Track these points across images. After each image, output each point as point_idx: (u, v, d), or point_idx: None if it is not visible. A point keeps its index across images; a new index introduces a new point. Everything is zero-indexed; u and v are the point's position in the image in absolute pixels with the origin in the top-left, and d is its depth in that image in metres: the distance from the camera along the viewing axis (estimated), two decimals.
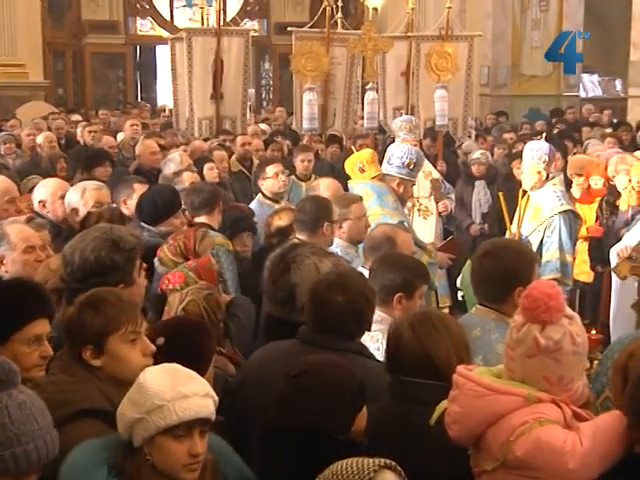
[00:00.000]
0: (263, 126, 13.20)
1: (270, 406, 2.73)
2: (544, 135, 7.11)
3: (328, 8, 10.84)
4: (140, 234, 4.58)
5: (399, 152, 6.19)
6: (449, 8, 11.14)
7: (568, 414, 2.39)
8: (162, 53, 24.16)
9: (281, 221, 5.19)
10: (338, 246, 5.10)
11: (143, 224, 5.23)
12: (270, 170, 7.12)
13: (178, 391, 2.44)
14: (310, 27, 11.48)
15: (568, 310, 2.47)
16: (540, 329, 2.42)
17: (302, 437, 2.62)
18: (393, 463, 2.25)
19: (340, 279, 3.25)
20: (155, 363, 2.72)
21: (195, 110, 11.10)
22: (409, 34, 11.93)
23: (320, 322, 3.19)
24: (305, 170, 8.24)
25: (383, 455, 2.30)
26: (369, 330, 3.34)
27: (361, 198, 5.59)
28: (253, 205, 6.91)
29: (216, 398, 2.56)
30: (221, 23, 12.13)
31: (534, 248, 6.31)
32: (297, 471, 2.60)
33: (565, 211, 6.37)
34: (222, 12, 13.79)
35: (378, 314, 3.44)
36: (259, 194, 7.15)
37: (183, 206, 5.53)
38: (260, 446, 2.76)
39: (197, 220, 5.60)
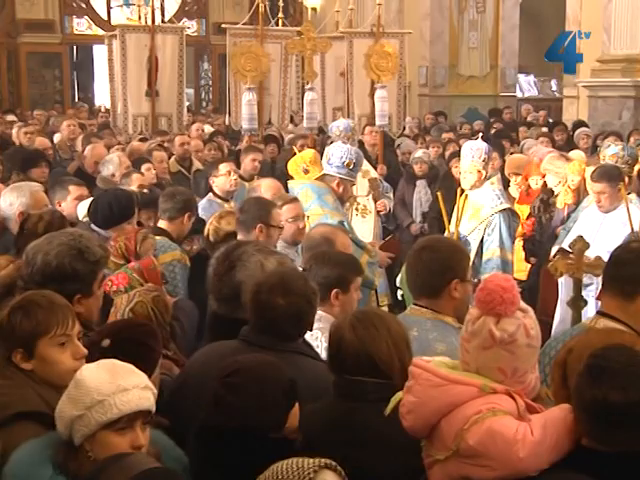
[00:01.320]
0: (207, 127, 13.15)
1: (206, 406, 2.73)
2: (480, 135, 7.19)
3: (261, 5, 10.84)
4: (96, 236, 4.53)
5: (339, 152, 6.21)
6: (379, 5, 11.19)
7: (521, 405, 2.42)
8: (99, 53, 23.90)
9: (230, 226, 5.12)
10: (277, 247, 5.08)
11: (94, 227, 5.17)
12: (222, 168, 7.11)
13: (118, 385, 2.44)
14: (245, 24, 11.55)
15: (522, 303, 2.50)
16: (495, 322, 2.45)
17: (235, 436, 2.62)
18: (333, 463, 2.25)
19: (281, 281, 3.25)
20: None
21: (129, 107, 11.16)
22: (341, 31, 12.01)
23: (261, 324, 3.19)
24: (253, 170, 8.22)
25: (328, 454, 2.30)
26: (310, 330, 3.35)
27: (296, 199, 5.58)
28: (203, 204, 6.86)
29: (155, 391, 2.56)
30: (158, 21, 12.10)
31: (474, 246, 6.39)
32: (231, 470, 2.61)
33: (504, 209, 6.46)
34: (160, 11, 13.72)
35: (317, 312, 3.44)
36: (209, 193, 7.11)
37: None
38: (195, 446, 2.75)
39: (158, 225, 5.54)
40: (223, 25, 11.92)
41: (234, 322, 3.34)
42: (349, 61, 11.62)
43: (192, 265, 5.22)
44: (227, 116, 12.09)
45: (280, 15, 11.68)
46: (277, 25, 11.96)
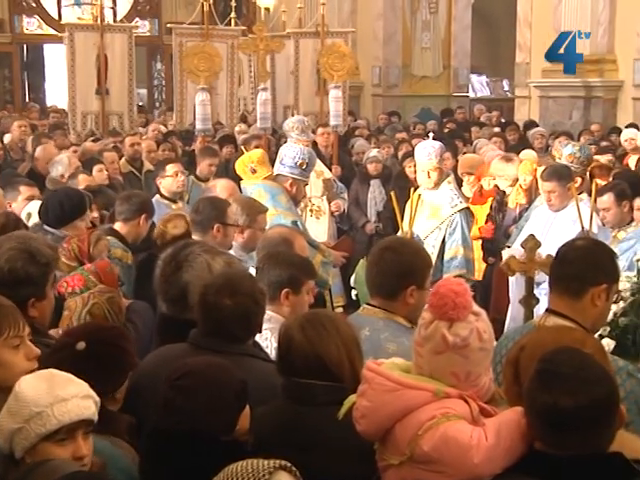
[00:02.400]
0: (162, 127, 13.08)
1: (156, 410, 2.71)
2: (431, 134, 7.25)
3: (205, 4, 10.82)
4: (43, 237, 4.46)
5: (291, 152, 6.20)
6: (323, 5, 11.23)
7: (475, 409, 2.42)
8: (50, 52, 23.64)
9: (177, 230, 5.08)
10: (231, 249, 5.06)
11: (47, 227, 5.11)
12: (170, 169, 7.09)
13: (56, 395, 2.40)
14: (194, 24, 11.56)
15: (475, 307, 2.50)
16: (448, 326, 2.44)
17: (185, 439, 2.60)
18: (288, 464, 2.24)
19: (229, 282, 3.22)
20: (76, 369, 2.63)
21: (78, 105, 11.22)
22: (288, 31, 12.05)
23: (210, 326, 3.16)
24: (210, 174, 8.21)
25: (278, 457, 2.29)
26: (260, 332, 3.33)
27: (267, 209, 5.57)
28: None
29: (97, 399, 2.52)
30: (110, 21, 12.09)
31: (436, 246, 6.43)
32: (183, 473, 2.59)
33: (464, 209, 6.52)
34: (112, 11, 13.66)
35: (267, 313, 3.43)
36: (157, 194, 7.07)
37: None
38: (146, 449, 2.73)
39: (114, 227, 5.55)
40: (168, 25, 11.92)
41: (183, 323, 3.31)
42: (296, 60, 11.69)
43: (139, 268, 5.18)
44: (173, 114, 12.13)
45: (233, 15, 11.66)
46: (230, 25, 11.96)
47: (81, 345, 2.94)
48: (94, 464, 2.49)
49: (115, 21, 17.38)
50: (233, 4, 11.67)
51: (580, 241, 3.43)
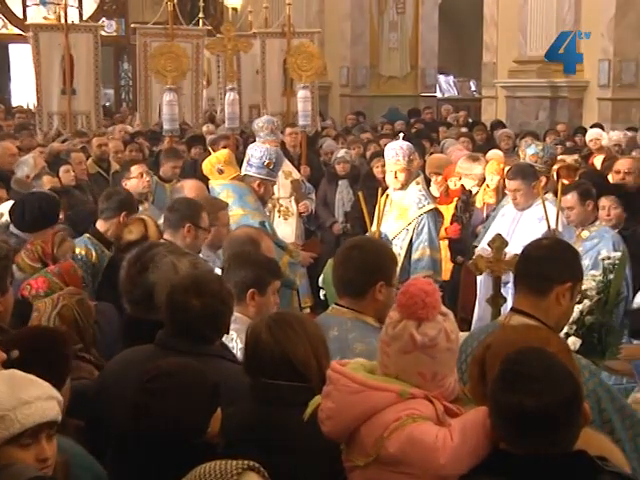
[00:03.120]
0: (129, 127, 13.02)
1: (126, 413, 2.68)
2: (402, 135, 7.27)
3: (169, 4, 10.79)
4: (7, 240, 4.43)
5: (258, 152, 6.19)
6: (289, 5, 11.24)
7: (440, 410, 2.42)
8: (15, 52, 23.41)
9: (131, 235, 5.02)
10: (200, 252, 5.04)
11: (13, 230, 5.06)
12: (135, 170, 7.06)
13: (19, 398, 2.37)
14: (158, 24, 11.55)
15: (442, 307, 2.50)
16: (416, 325, 2.44)
17: (157, 441, 2.59)
18: (257, 465, 2.24)
19: (196, 282, 3.21)
20: None
21: (44, 105, 11.19)
22: (254, 31, 12.06)
23: (177, 326, 3.15)
24: (173, 176, 8.19)
25: (247, 457, 2.29)
26: (227, 333, 3.33)
27: (227, 205, 5.55)
28: None
29: (60, 399, 2.50)
30: (76, 20, 12.05)
31: (404, 247, 6.45)
32: (153, 476, 2.57)
33: (431, 210, 6.54)
34: (78, 11, 13.60)
35: (233, 314, 3.43)
36: None
37: None
38: (116, 452, 2.71)
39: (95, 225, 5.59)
40: (132, 25, 11.90)
41: (149, 324, 3.29)
42: (262, 60, 11.70)
43: (105, 273, 5.11)
44: (137, 116, 12.11)
45: (201, 15, 11.64)
46: (198, 25, 11.95)
47: (14, 354, 2.89)
48: (58, 464, 2.47)
49: (81, 21, 17.29)
50: (201, 4, 11.65)
51: (545, 240, 3.46)
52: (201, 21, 11.91)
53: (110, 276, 4.67)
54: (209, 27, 11.78)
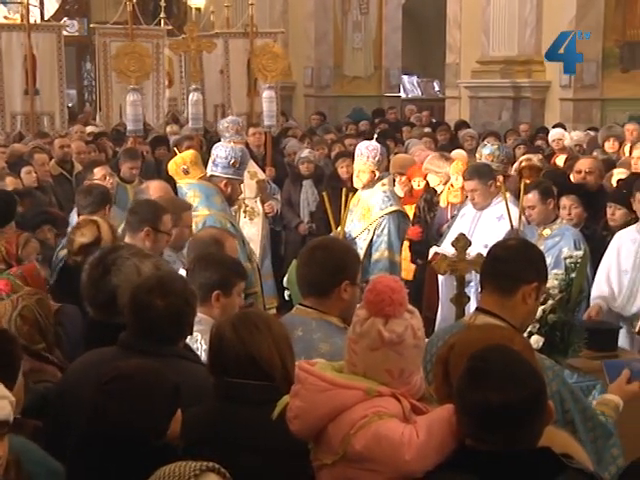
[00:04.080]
0: (89, 128, 12.91)
1: (85, 414, 2.67)
2: (375, 136, 7.31)
3: (129, 4, 10.74)
4: None
5: (223, 152, 6.17)
6: (252, 5, 11.24)
7: (407, 407, 2.44)
8: None
9: (84, 238, 4.94)
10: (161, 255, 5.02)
11: None
12: (98, 172, 7.04)
13: None
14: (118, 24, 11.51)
15: (409, 305, 2.52)
16: (384, 322, 2.46)
17: (116, 443, 2.58)
18: (216, 466, 2.24)
19: (159, 283, 3.21)
20: None
21: (6, 105, 11.12)
22: (217, 32, 12.06)
23: (140, 327, 3.13)
24: (132, 177, 8.15)
25: (210, 459, 2.29)
26: (191, 334, 3.32)
27: (191, 206, 5.53)
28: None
29: (12, 399, 2.48)
30: (38, 20, 11.96)
31: (364, 247, 6.48)
32: (114, 478, 2.56)
33: (394, 211, 6.56)
34: (40, 10, 13.49)
35: (197, 315, 3.42)
36: None
37: None
38: (76, 454, 2.70)
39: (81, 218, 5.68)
40: (92, 25, 11.85)
41: (112, 328, 3.28)
42: (226, 60, 11.69)
43: (58, 276, 5.08)
44: (97, 116, 12.06)
45: (162, 15, 11.61)
46: (160, 24, 11.91)
47: None
48: (10, 461, 2.45)
49: (43, 20, 17.15)
50: (162, 4, 11.62)
51: (512, 240, 3.50)
52: (162, 21, 11.86)
53: (63, 280, 4.65)
54: (169, 27, 11.75)
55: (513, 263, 3.17)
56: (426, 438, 2.34)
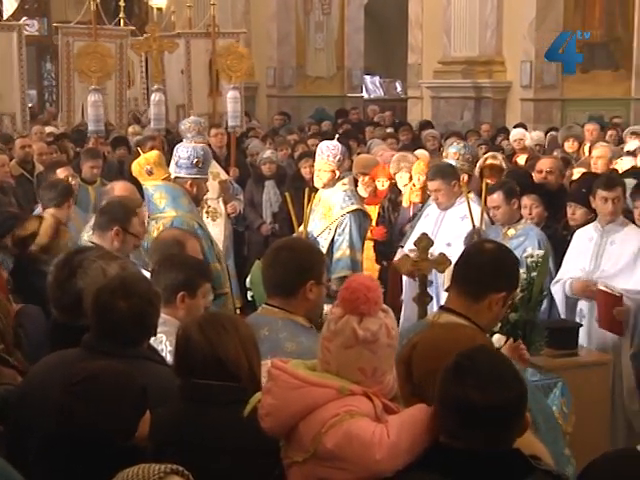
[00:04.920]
0: (49, 128, 12.81)
1: (51, 417, 2.66)
2: (337, 136, 7.32)
3: (93, 3, 10.67)
4: None
5: (185, 153, 6.14)
6: (213, 5, 11.23)
7: (379, 407, 2.44)
8: None
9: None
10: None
11: None
12: (60, 173, 6.99)
13: None
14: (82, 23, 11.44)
15: (383, 304, 2.53)
16: (358, 320, 2.46)
17: (84, 446, 2.57)
18: (180, 468, 2.23)
19: (123, 284, 3.19)
20: None
21: None
22: (179, 31, 12.03)
23: (103, 328, 3.12)
24: (93, 177, 8.10)
25: (177, 460, 2.29)
26: (155, 335, 3.31)
27: (142, 203, 5.50)
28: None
29: None
30: None
31: (325, 246, 6.48)
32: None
33: (355, 210, 6.58)
34: None
35: (162, 316, 3.41)
36: None
37: None
38: (40, 456, 2.68)
39: (47, 212, 5.87)
40: (55, 24, 11.76)
41: (76, 330, 3.26)
42: (187, 61, 11.66)
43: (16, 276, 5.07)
44: (59, 116, 11.98)
45: (122, 15, 11.55)
46: (119, 24, 11.85)
47: None
48: None
49: (1, 20, 16.96)
50: (122, 4, 11.56)
51: (488, 244, 3.44)
52: (122, 21, 11.80)
53: (18, 279, 4.64)
54: (132, 27, 11.69)
55: (484, 270, 3.15)
56: (397, 438, 2.34)
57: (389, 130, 13.35)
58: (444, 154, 7.71)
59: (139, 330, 3.18)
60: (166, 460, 2.26)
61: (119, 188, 5.95)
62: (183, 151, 6.18)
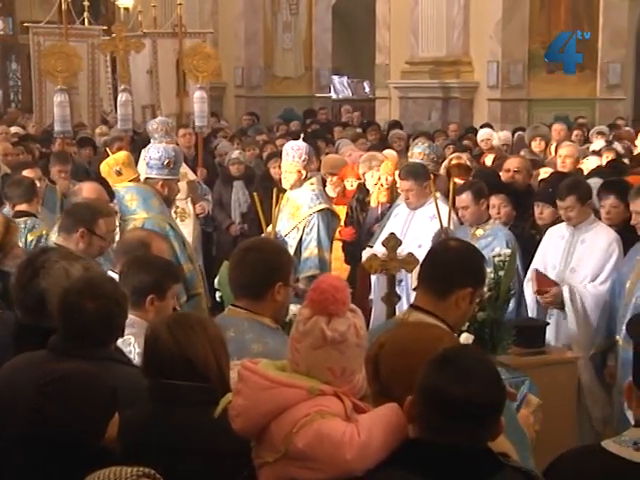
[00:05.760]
0: (14, 129, 12.69)
1: (19, 419, 2.64)
2: (302, 135, 7.32)
3: (64, 3, 10.61)
4: None
5: (156, 153, 6.11)
6: (180, 5, 11.20)
7: (349, 406, 2.44)
8: None
9: None
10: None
11: None
12: (27, 175, 6.92)
13: None
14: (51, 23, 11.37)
15: (351, 304, 2.53)
16: (327, 321, 2.46)
17: (55, 446, 2.56)
18: (152, 472, 2.22)
19: (90, 285, 3.18)
20: None
21: None
22: (145, 31, 11.99)
23: (70, 330, 3.10)
24: (61, 182, 8.03)
25: (147, 462, 2.28)
26: (122, 336, 3.30)
27: (116, 212, 5.47)
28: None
29: None
30: None
31: (293, 245, 6.49)
32: None
33: (323, 209, 6.58)
34: None
35: (130, 317, 3.40)
36: None
37: None
38: (7, 459, 2.66)
39: (18, 208, 6.17)
40: (25, 24, 11.68)
41: (41, 331, 3.24)
42: (154, 61, 11.62)
43: None
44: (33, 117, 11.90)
45: (86, 14, 11.49)
46: (84, 24, 11.80)
47: None
48: None
49: None
50: (86, 3, 11.50)
51: (453, 242, 3.45)
52: (87, 20, 11.74)
53: None
54: (104, 27, 11.64)
55: (450, 267, 3.17)
56: (368, 437, 2.35)
57: (358, 130, 13.38)
58: (409, 154, 7.73)
59: (107, 331, 3.16)
60: (135, 461, 2.25)
61: (87, 189, 5.90)
62: (154, 152, 6.15)
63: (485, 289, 4.96)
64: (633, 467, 2.29)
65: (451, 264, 3.18)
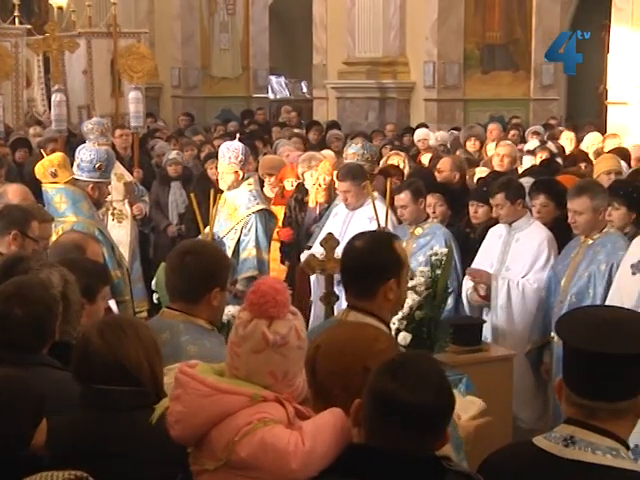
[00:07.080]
0: None
1: None
2: (238, 136, 7.28)
3: None
4: None
5: (88, 156, 6.04)
6: (114, 4, 11.10)
7: (291, 412, 2.42)
8: None
9: None
10: None
11: None
12: None
13: None
14: None
15: (291, 306, 2.52)
16: (267, 324, 2.43)
17: None
18: (85, 474, 2.19)
19: (19, 290, 3.13)
20: None
21: None
22: (79, 31, 11.87)
23: (0, 337, 3.05)
24: None
25: (79, 467, 2.24)
26: (53, 340, 3.23)
27: (52, 219, 5.39)
28: None
29: None
30: None
31: (231, 246, 6.46)
32: None
33: (260, 210, 6.56)
34: None
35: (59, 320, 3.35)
36: None
37: None
38: None
39: None
40: None
41: None
42: (89, 61, 11.50)
43: None
44: None
45: (16, 13, 11.30)
46: (14, 23, 11.61)
47: None
48: None
49: None
50: (16, 2, 11.32)
51: (358, 241, 3.36)
52: (17, 19, 11.56)
53: None
54: (28, 26, 11.46)
55: (362, 268, 3.19)
56: (312, 445, 2.33)
57: (296, 130, 13.36)
58: (344, 155, 7.74)
59: (37, 337, 3.11)
60: (67, 468, 2.21)
61: (13, 191, 5.79)
62: (86, 154, 6.07)
63: (422, 288, 5.00)
64: (562, 463, 2.32)
65: (363, 266, 3.20)
